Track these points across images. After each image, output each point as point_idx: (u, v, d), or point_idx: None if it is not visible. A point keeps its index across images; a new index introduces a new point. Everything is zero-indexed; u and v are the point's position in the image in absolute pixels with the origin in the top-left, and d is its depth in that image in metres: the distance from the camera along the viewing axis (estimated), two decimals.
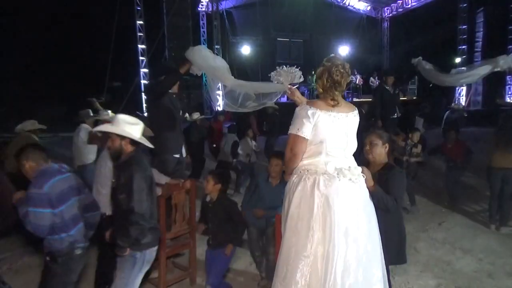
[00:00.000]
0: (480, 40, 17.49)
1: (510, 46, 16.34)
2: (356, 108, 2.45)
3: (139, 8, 14.53)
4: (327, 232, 2.21)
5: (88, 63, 14.05)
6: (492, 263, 4.14)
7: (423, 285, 3.76)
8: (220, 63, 3.17)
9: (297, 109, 2.35)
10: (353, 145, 2.42)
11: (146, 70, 15.18)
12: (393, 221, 2.66)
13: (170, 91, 3.63)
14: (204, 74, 3.27)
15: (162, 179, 3.47)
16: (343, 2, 21.29)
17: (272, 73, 2.63)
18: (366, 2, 21.64)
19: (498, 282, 3.77)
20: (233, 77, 3.07)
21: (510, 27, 16.20)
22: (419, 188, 6.55)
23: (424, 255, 4.39)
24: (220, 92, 9.28)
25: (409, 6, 19.60)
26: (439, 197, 6.31)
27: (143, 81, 14.91)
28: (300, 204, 2.30)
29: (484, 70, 5.24)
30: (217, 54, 16.25)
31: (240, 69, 19.39)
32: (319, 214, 2.24)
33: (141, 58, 15.12)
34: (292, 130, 2.31)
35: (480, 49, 17.47)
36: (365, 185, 2.42)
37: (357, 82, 18.19)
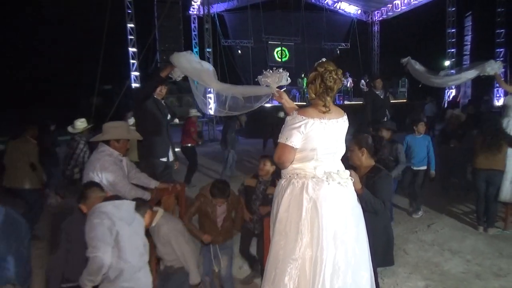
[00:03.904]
0: (469, 43, 17.75)
1: (497, 49, 16.62)
2: (345, 113, 2.48)
3: (130, 11, 14.50)
4: (315, 236, 2.23)
5: (78, 66, 13.96)
6: (480, 264, 4.19)
7: (412, 287, 3.78)
8: (206, 66, 3.18)
9: (288, 118, 2.36)
10: (342, 150, 2.44)
11: (137, 73, 15.14)
12: (380, 224, 2.69)
13: (156, 96, 3.65)
14: (193, 80, 3.26)
15: (151, 183, 3.46)
16: (334, 5, 21.47)
17: (260, 76, 2.63)
18: (357, 6, 21.87)
19: (486, 283, 3.81)
20: (218, 81, 3.08)
21: (498, 31, 16.46)
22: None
23: (413, 257, 4.42)
24: (211, 95, 9.33)
25: (399, 10, 19.82)
26: (428, 199, 6.36)
27: (134, 84, 14.85)
28: (288, 207, 2.32)
29: (471, 74, 5.33)
30: (208, 58, 16.44)
31: (232, 72, 19.48)
32: (308, 217, 2.25)
33: (132, 61, 15.08)
34: (281, 139, 2.32)
35: (468, 52, 17.74)
36: (353, 188, 2.44)
37: (348, 85, 18.34)
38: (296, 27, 20.68)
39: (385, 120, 7.03)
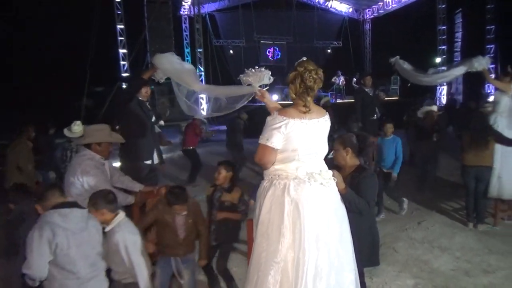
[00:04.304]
0: (460, 40, 17.83)
1: (488, 46, 16.72)
2: (326, 112, 2.45)
3: (119, 12, 14.38)
4: (296, 238, 2.20)
5: (68, 68, 13.82)
6: (469, 261, 4.18)
7: (401, 285, 3.77)
8: (188, 67, 3.14)
9: (269, 118, 2.33)
10: (324, 150, 2.42)
11: (127, 74, 15.03)
12: (365, 224, 2.66)
13: (140, 98, 3.61)
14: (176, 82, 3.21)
15: (135, 186, 3.42)
16: (325, 4, 21.46)
17: (241, 75, 2.60)
18: (348, 4, 21.87)
19: (475, 280, 3.80)
20: (201, 82, 3.04)
21: (488, 27, 16.56)
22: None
23: (403, 255, 4.41)
24: (204, 96, 9.25)
25: (390, 7, 19.86)
26: (419, 197, 6.36)
27: (124, 86, 14.74)
28: (270, 209, 2.29)
29: (459, 71, 5.32)
30: (199, 58, 16.37)
31: (224, 72, 19.41)
32: (289, 219, 2.22)
33: (122, 62, 14.96)
34: (261, 140, 2.29)
35: (459, 49, 17.81)
36: (336, 188, 2.42)
37: (340, 84, 18.35)
38: (287, 26, 20.62)
39: (375, 117, 7.05)
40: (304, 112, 2.27)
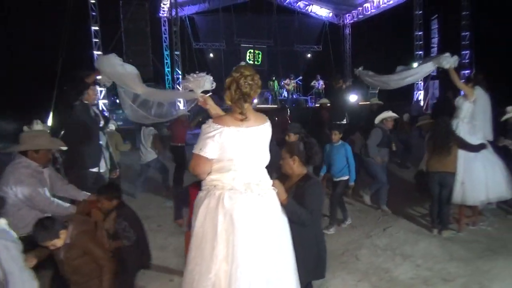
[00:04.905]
0: (436, 46, 18.10)
1: (463, 52, 17.00)
2: (267, 119, 2.35)
3: (94, 14, 14.09)
4: (230, 252, 2.09)
5: (39, 70, 13.43)
6: (429, 269, 4.13)
7: None
8: (130, 69, 3.00)
9: (203, 126, 2.22)
10: (265, 158, 2.31)
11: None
12: (310, 235, 2.55)
13: (86, 102, 3.44)
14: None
15: (79, 195, 3.24)
16: (306, 8, 21.56)
17: (182, 81, 2.48)
18: (328, 9, 22.04)
19: None
20: (144, 84, 2.91)
21: (463, 34, 16.85)
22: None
23: (364, 263, 4.33)
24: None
25: (369, 12, 20.11)
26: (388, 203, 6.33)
27: (99, 88, 14.44)
28: (204, 221, 2.17)
29: (427, 68, 5.24)
30: (176, 60, 16.16)
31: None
32: (223, 232, 2.11)
33: None
34: (195, 149, 2.17)
35: (436, 55, 18.04)
36: (276, 199, 2.31)
37: (319, 87, 18.41)
38: (268, 30, 20.64)
39: (344, 122, 7.02)
40: (241, 120, 2.16)
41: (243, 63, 2.32)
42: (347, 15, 22.14)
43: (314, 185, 2.54)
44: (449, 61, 4.93)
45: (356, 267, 4.22)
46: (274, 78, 17.83)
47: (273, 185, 2.29)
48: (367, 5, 19.97)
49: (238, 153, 2.15)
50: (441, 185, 4.90)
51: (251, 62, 21.17)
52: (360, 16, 21.03)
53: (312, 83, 18.47)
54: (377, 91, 18.82)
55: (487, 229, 5.16)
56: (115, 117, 12.59)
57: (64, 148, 3.10)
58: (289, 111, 10.56)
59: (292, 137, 4.50)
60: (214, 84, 2.57)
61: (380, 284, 3.85)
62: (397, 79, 5.54)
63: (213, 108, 2.54)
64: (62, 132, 3.41)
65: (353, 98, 16.59)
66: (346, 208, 5.55)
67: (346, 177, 5.27)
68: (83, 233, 2.68)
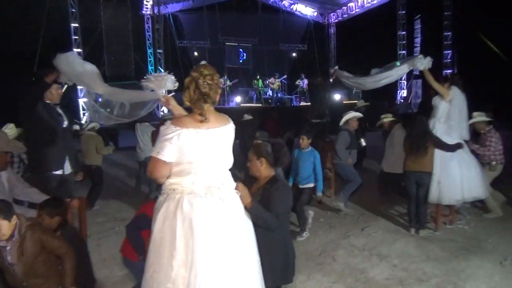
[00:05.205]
0: (419, 45, 18.29)
1: (445, 51, 17.22)
2: (230, 120, 2.27)
3: (73, 10, 13.77)
4: (189, 258, 2.00)
5: (16, 68, 13.05)
6: (405, 269, 4.11)
7: None
8: (90, 68, 2.88)
9: (161, 128, 2.13)
10: (228, 160, 2.23)
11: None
12: (277, 239, 2.48)
13: (47, 101, 3.30)
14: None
15: (42, 199, 3.10)
16: (291, 7, 21.53)
17: (142, 80, 2.38)
18: (313, 8, 22.05)
19: None
20: (106, 84, 2.79)
21: (445, 34, 17.05)
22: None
23: (340, 263, 4.29)
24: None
25: (353, 12, 20.20)
26: (365, 201, 6.32)
27: (79, 87, 14.13)
28: (163, 227, 2.08)
29: (402, 70, 5.28)
30: (159, 59, 15.94)
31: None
32: (182, 238, 2.02)
33: None
34: (153, 152, 2.08)
35: (418, 54, 18.21)
36: (240, 202, 2.24)
37: (304, 87, 18.41)
38: (253, 28, 20.56)
39: (325, 120, 6.99)
40: (201, 121, 2.08)
41: (203, 62, 2.24)
42: (332, 14, 22.21)
43: (280, 188, 2.46)
44: (423, 63, 4.96)
45: (332, 268, 4.18)
46: (258, 77, 17.75)
47: (236, 188, 2.22)
48: (351, 4, 20.06)
49: (197, 156, 2.06)
50: (418, 184, 4.89)
51: (235, 60, 21.07)
52: (345, 16, 21.11)
53: (296, 82, 18.47)
54: (361, 90, 19.03)
55: (463, 228, 5.18)
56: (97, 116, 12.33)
57: (23, 150, 2.96)
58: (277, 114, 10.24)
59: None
60: (177, 84, 2.48)
61: (356, 285, 3.82)
62: (372, 81, 5.61)
63: (175, 108, 2.45)
64: (24, 134, 3.26)
65: (336, 96, 16.81)
66: (305, 223, 5.11)
67: (311, 185, 5.06)
68: (34, 226, 2.48)
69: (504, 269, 4.00)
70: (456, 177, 4.82)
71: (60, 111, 3.48)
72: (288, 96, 18.64)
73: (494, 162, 5.29)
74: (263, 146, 2.59)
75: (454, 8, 16.46)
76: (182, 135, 2.03)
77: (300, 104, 17.44)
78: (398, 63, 5.45)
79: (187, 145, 2.04)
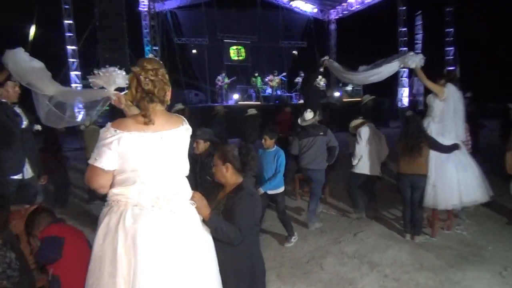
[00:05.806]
0: (420, 42, 17.95)
1: (447, 48, 16.87)
2: (185, 121, 1.99)
3: (67, 7, 13.52)
4: (131, 279, 1.73)
5: None
6: (397, 279, 3.83)
7: None
8: (38, 66, 2.61)
9: (101, 131, 1.84)
10: (181, 167, 1.95)
11: (78, 72, 14.18)
12: (243, 254, 2.20)
13: (3, 100, 3.03)
14: None
15: None
16: (290, 4, 21.18)
17: (89, 77, 2.10)
18: (313, 4, 21.68)
19: None
20: (58, 83, 2.52)
21: (447, 30, 16.70)
22: (338, 195, 6.28)
23: (328, 273, 4.02)
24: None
25: (354, 8, 19.85)
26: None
27: (74, 85, 13.91)
28: (103, 243, 1.80)
29: (391, 67, 4.99)
30: (155, 56, 15.65)
31: (187, 71, 18.77)
32: (123, 255, 1.75)
33: (71, 60, 14.10)
34: (90, 159, 1.81)
35: (420, 51, 17.87)
36: (196, 215, 1.97)
37: None
38: (252, 25, 20.26)
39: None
40: (145, 123, 1.80)
41: (150, 55, 1.98)
42: (332, 10, 21.83)
43: (244, 198, 2.18)
44: (414, 60, 4.67)
45: (319, 278, 3.91)
46: (257, 74, 17.43)
47: (192, 199, 1.95)
48: (351, 0, 19.69)
49: (143, 163, 1.79)
50: (412, 187, 4.61)
51: (235, 58, 20.78)
52: (345, 12, 20.75)
53: (295, 80, 18.15)
54: (361, 87, 18.70)
55: (462, 233, 4.89)
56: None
57: None
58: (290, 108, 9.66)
59: (202, 145, 3.84)
60: (128, 81, 2.19)
61: None
62: (360, 78, 5.37)
63: (129, 108, 2.17)
64: None
65: (336, 94, 16.48)
66: (292, 227, 4.84)
67: (281, 190, 4.63)
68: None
69: (504, 280, 3.71)
70: (452, 180, 4.54)
71: (18, 110, 3.22)
72: (288, 94, 18.33)
73: None
74: (229, 150, 2.30)
75: (456, 3, 16.11)
76: (123, 140, 1.76)
77: (300, 102, 17.11)
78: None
79: (130, 151, 1.77)
